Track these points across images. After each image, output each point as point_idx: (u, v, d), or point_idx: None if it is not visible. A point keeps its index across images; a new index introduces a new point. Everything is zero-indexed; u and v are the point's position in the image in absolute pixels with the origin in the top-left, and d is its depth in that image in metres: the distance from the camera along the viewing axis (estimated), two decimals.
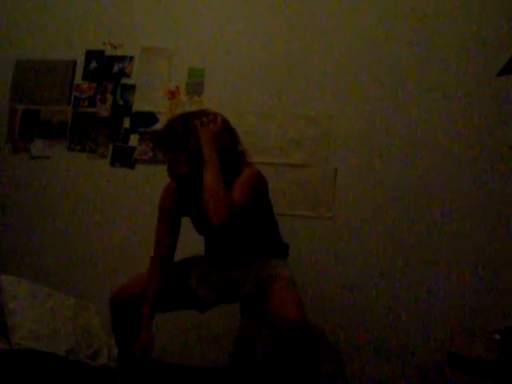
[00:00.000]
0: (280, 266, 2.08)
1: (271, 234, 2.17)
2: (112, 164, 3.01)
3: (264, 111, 2.81)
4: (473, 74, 2.57)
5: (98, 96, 3.08)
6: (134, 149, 2.98)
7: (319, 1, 2.80)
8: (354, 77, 2.71)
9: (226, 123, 2.00)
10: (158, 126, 2.88)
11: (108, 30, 3.09)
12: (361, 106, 2.69)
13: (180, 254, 2.16)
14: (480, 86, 2.55)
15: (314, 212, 2.70)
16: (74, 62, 3.15)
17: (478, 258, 2.47)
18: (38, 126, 3.16)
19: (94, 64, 3.12)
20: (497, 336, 1.84)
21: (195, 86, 2.92)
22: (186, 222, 2.15)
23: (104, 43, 3.10)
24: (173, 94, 2.94)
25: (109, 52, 3.09)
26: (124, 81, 3.05)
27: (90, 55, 3.12)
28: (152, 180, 2.83)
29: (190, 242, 2.17)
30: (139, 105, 3.00)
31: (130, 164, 2.98)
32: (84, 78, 3.12)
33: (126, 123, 3.01)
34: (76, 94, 3.12)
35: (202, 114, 1.98)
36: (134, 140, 2.98)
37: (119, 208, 2.97)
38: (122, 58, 3.07)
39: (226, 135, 1.94)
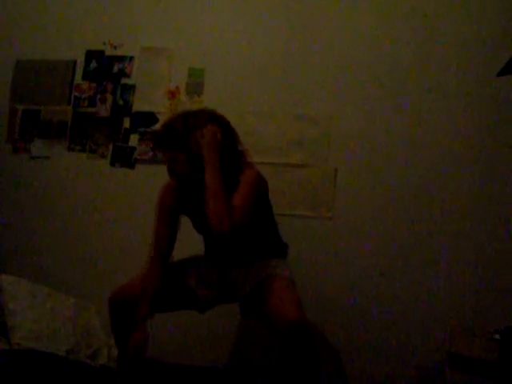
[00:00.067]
0: (280, 266, 2.08)
1: (271, 234, 2.17)
2: (112, 164, 3.01)
3: (264, 111, 2.81)
4: (473, 74, 2.57)
5: (98, 96, 3.08)
6: (134, 149, 2.98)
7: (319, 1, 2.81)
8: (354, 77, 2.72)
9: (226, 123, 2.00)
10: (158, 126, 2.88)
11: (108, 29, 3.09)
12: (361, 105, 2.69)
13: (180, 254, 2.16)
14: (480, 86, 2.55)
15: (314, 212, 2.70)
16: (74, 62, 3.15)
17: (478, 258, 2.47)
18: (38, 126, 3.16)
19: (94, 64, 3.12)
20: (497, 336, 1.84)
21: (195, 86, 2.92)
22: (185, 222, 2.15)
23: (104, 43, 3.10)
24: (173, 94, 2.94)
25: (109, 52, 3.09)
26: (124, 81, 3.05)
27: (90, 55, 3.12)
28: (152, 180, 2.83)
29: (190, 242, 2.17)
30: (139, 105, 3.00)
31: (130, 164, 2.98)
32: (84, 78, 3.12)
33: (126, 123, 3.01)
34: (76, 94, 3.12)
35: (202, 113, 1.99)
36: (134, 140, 2.99)
37: (119, 208, 2.97)
38: (121, 58, 3.07)
39: (226, 142, 1.93)
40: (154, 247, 2.06)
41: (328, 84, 2.74)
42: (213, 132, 1.90)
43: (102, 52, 3.10)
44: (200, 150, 1.88)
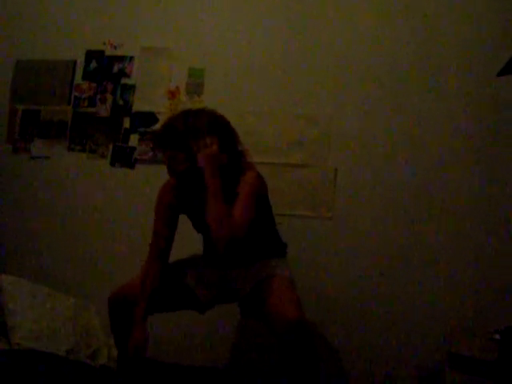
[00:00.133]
0: (279, 266, 2.08)
1: (270, 234, 2.17)
2: (112, 164, 3.01)
3: (264, 111, 2.81)
4: (473, 74, 2.57)
5: (98, 96, 3.08)
6: (134, 149, 2.98)
7: (319, 1, 2.81)
8: (354, 77, 2.71)
9: (226, 123, 2.00)
10: (158, 126, 2.88)
11: (108, 29, 3.09)
12: (361, 105, 2.69)
13: (179, 254, 2.16)
14: (480, 86, 2.55)
15: (313, 212, 2.70)
16: (74, 62, 3.15)
17: (478, 258, 2.47)
18: (38, 126, 3.16)
19: (94, 64, 3.12)
20: (497, 336, 1.84)
21: (195, 86, 2.92)
22: (185, 222, 2.15)
23: (104, 43, 3.10)
24: (173, 94, 2.94)
25: (109, 52, 3.09)
26: (124, 81, 3.05)
27: (90, 55, 3.12)
28: (152, 180, 2.83)
29: (189, 242, 2.17)
30: (139, 105, 3.00)
31: (130, 164, 2.98)
32: (84, 78, 3.12)
33: (126, 123, 3.01)
34: (76, 94, 3.12)
35: (202, 113, 1.99)
36: (134, 140, 2.99)
37: (119, 208, 2.97)
38: (121, 58, 3.07)
39: (224, 155, 1.93)
40: (152, 246, 2.07)
41: (328, 84, 2.74)
42: (211, 156, 1.88)
43: (102, 52, 3.10)
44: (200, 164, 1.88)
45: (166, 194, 2.08)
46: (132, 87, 3.03)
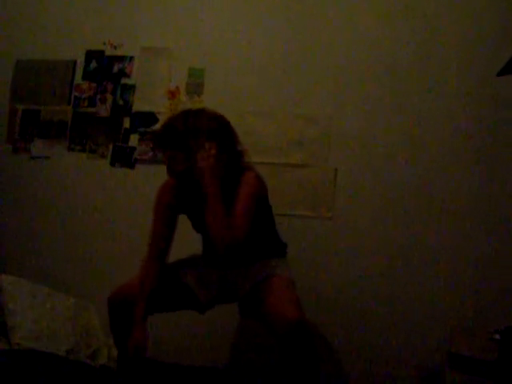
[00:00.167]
0: (279, 266, 2.08)
1: (270, 234, 2.17)
2: (112, 164, 3.01)
3: (264, 111, 2.81)
4: (473, 74, 2.57)
5: (98, 96, 3.08)
6: (134, 149, 2.98)
7: (319, 1, 2.81)
8: (354, 77, 2.71)
9: (225, 123, 2.00)
10: (158, 126, 2.88)
11: (108, 29, 3.09)
12: (361, 105, 2.69)
13: (179, 254, 2.16)
14: (480, 86, 2.55)
15: (313, 212, 2.70)
16: (74, 62, 3.15)
17: (478, 258, 2.47)
18: (38, 126, 3.16)
19: (94, 64, 3.12)
20: (497, 336, 1.84)
21: (195, 86, 2.92)
22: (184, 222, 2.15)
23: (104, 43, 3.10)
24: (173, 94, 2.94)
25: (109, 52, 3.09)
26: (124, 81, 3.05)
27: (90, 55, 3.12)
28: (152, 180, 2.82)
29: (189, 242, 2.17)
30: (139, 105, 3.00)
31: (130, 164, 2.98)
32: (84, 78, 3.12)
33: (126, 123, 3.01)
34: (76, 94, 3.12)
35: (202, 112, 1.99)
36: (134, 140, 2.99)
37: (119, 208, 2.97)
38: (122, 58, 3.07)
39: (221, 164, 1.93)
40: (150, 246, 2.06)
41: (328, 84, 2.74)
42: (210, 166, 1.89)
43: (102, 52, 3.10)
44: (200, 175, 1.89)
45: (165, 194, 2.08)
46: (132, 87, 3.03)
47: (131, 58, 3.05)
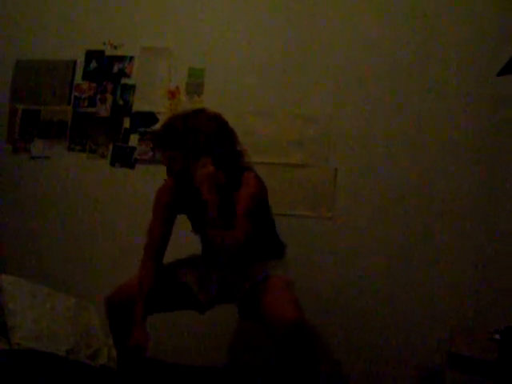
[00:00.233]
0: (278, 267, 2.08)
1: (269, 235, 2.17)
2: (112, 164, 3.01)
3: (264, 111, 2.81)
4: (473, 74, 2.57)
5: (98, 96, 3.08)
6: (134, 149, 2.98)
7: (319, 1, 2.80)
8: (353, 77, 2.71)
9: (224, 124, 2.01)
10: (158, 126, 2.88)
11: (108, 29, 3.09)
12: (361, 105, 2.69)
13: (178, 254, 2.16)
14: (480, 86, 2.55)
15: (313, 212, 2.70)
16: (74, 62, 3.15)
17: (478, 258, 2.47)
18: (38, 126, 3.16)
19: (94, 64, 3.12)
20: (497, 336, 1.84)
21: (195, 86, 2.92)
22: (183, 222, 2.14)
23: (104, 43, 3.10)
24: (173, 94, 2.94)
25: (109, 52, 3.09)
26: (124, 81, 3.05)
27: (90, 55, 3.12)
28: (152, 180, 2.82)
29: (189, 242, 2.17)
30: (139, 105, 3.00)
31: (130, 164, 2.98)
32: (84, 78, 3.12)
33: (126, 123, 3.01)
34: (76, 94, 3.12)
35: (201, 113, 1.99)
36: (134, 140, 2.99)
37: (119, 208, 2.97)
38: (121, 58, 3.07)
39: (221, 172, 1.95)
40: (148, 246, 2.07)
41: (328, 84, 2.74)
42: (208, 175, 1.91)
43: (102, 52, 3.10)
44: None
45: (164, 195, 2.09)
46: (132, 87, 3.03)
47: (131, 58, 3.05)
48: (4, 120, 3.21)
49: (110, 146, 3.02)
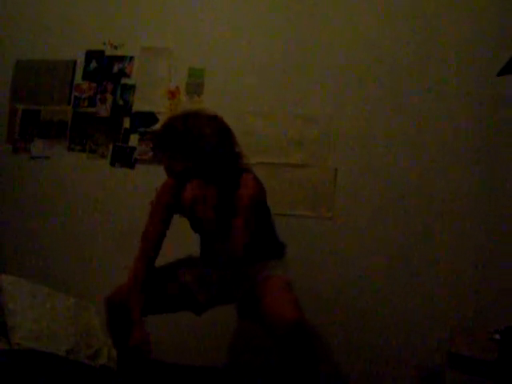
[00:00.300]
0: (277, 268, 2.08)
1: (268, 236, 2.17)
2: (112, 164, 3.01)
3: (264, 111, 2.81)
4: (473, 74, 2.57)
5: (98, 96, 3.08)
6: (134, 149, 2.98)
7: (319, 1, 2.80)
8: (354, 77, 2.71)
9: (222, 125, 2.01)
10: (158, 126, 2.88)
11: (108, 29, 3.09)
12: (361, 105, 2.69)
13: (177, 254, 2.16)
14: (480, 86, 2.55)
15: (313, 212, 2.70)
16: (74, 62, 3.15)
17: (478, 258, 2.47)
18: (38, 126, 3.16)
19: (94, 64, 3.12)
20: (497, 336, 1.84)
21: (195, 86, 2.92)
22: (182, 222, 2.14)
23: (104, 43, 3.10)
24: (173, 94, 2.94)
25: (109, 52, 3.09)
26: (124, 81, 3.05)
27: (90, 55, 3.12)
28: (152, 180, 2.81)
29: (188, 243, 2.17)
30: (139, 105, 3.00)
31: (130, 164, 2.98)
32: (84, 78, 3.12)
33: (126, 123, 3.01)
34: (76, 94, 3.12)
35: (201, 113, 2.00)
36: (134, 140, 2.99)
37: (119, 208, 2.97)
38: (121, 58, 3.07)
39: (213, 189, 1.96)
40: (144, 243, 2.08)
41: (328, 84, 2.74)
42: (194, 193, 1.93)
43: (102, 52, 3.10)
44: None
45: (164, 195, 2.09)
46: (132, 87, 3.03)
47: (131, 58, 3.05)
48: (4, 120, 3.21)
49: (110, 146, 3.02)
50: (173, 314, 2.19)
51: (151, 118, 2.96)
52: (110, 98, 3.06)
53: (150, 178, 2.84)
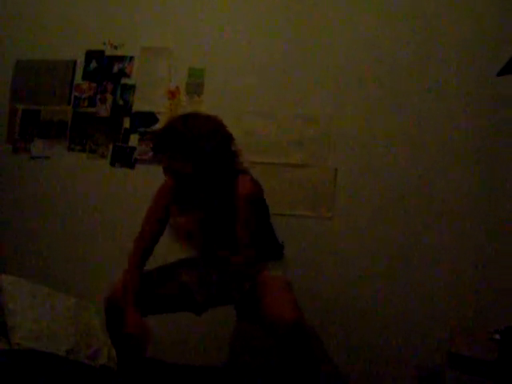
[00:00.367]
0: (276, 268, 2.08)
1: (267, 236, 2.16)
2: (112, 164, 3.01)
3: (264, 111, 2.81)
4: (473, 74, 2.57)
5: (98, 96, 3.08)
6: (134, 149, 2.98)
7: (319, 1, 2.80)
8: (354, 77, 2.71)
9: (220, 125, 2.01)
10: (158, 126, 2.88)
11: (108, 29, 3.09)
12: (361, 105, 2.69)
13: (176, 254, 2.16)
14: (480, 86, 2.55)
15: (313, 212, 2.70)
16: (74, 62, 3.15)
17: (478, 258, 2.47)
18: (38, 126, 3.16)
19: (94, 64, 3.12)
20: (497, 336, 1.83)
21: (195, 86, 2.92)
22: None
23: (104, 43, 3.10)
24: (173, 94, 2.94)
25: (109, 52, 3.09)
26: (124, 81, 3.05)
27: (90, 55, 3.12)
28: (152, 180, 2.81)
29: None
30: (139, 105, 3.00)
31: (130, 164, 2.98)
32: (84, 78, 3.12)
33: (126, 123, 3.01)
34: (76, 94, 3.12)
35: (199, 114, 2.01)
36: (134, 140, 2.99)
37: (119, 208, 2.96)
38: (121, 58, 3.07)
39: (200, 215, 2.03)
40: (138, 242, 2.12)
41: (328, 84, 2.74)
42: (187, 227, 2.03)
43: (102, 52, 3.10)
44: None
45: (162, 196, 2.10)
46: (132, 87, 3.03)
47: (131, 58, 3.05)
48: (4, 120, 3.21)
49: (110, 146, 3.02)
50: (173, 314, 2.19)
51: (151, 118, 2.96)
52: (109, 97, 3.06)
53: (150, 178, 2.84)
